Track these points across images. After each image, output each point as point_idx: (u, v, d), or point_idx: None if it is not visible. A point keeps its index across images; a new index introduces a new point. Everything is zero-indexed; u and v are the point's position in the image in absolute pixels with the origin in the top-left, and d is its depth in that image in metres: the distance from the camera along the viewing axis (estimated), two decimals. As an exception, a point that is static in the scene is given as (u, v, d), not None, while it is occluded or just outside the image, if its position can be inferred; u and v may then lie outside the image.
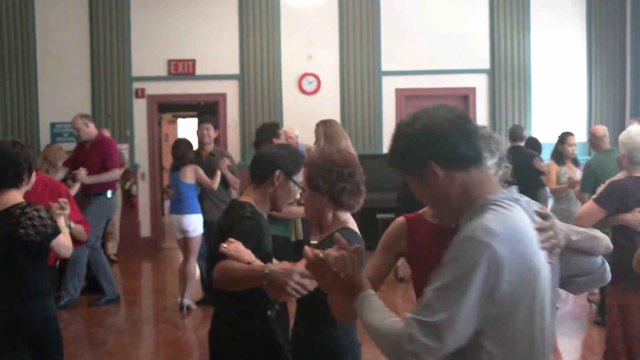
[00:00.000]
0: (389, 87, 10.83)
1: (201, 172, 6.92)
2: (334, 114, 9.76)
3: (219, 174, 6.96)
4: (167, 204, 10.94)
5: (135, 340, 6.34)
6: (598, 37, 10.82)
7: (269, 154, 2.99)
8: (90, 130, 7.46)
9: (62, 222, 3.61)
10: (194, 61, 10.77)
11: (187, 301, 7.12)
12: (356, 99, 10.74)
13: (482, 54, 10.85)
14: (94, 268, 7.40)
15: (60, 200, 3.69)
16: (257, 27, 10.76)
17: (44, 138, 10.52)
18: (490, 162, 2.00)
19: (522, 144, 8.01)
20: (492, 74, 10.86)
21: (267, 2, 10.73)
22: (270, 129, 6.49)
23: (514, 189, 1.85)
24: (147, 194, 10.95)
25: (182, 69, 10.78)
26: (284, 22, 10.78)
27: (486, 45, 10.85)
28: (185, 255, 7.14)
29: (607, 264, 2.08)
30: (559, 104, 10.85)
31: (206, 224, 7.05)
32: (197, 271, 7.33)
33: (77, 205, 4.29)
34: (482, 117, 10.88)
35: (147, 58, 10.74)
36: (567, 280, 2.02)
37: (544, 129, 10.76)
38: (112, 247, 9.90)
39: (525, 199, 1.89)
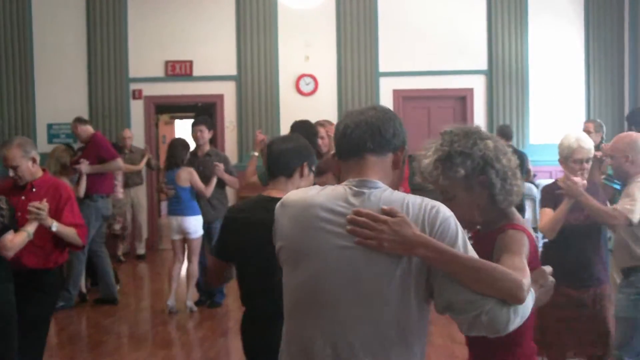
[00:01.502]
0: (386, 88, 10.82)
1: (196, 176, 6.86)
2: (332, 115, 9.72)
3: (214, 180, 6.91)
4: (164, 205, 10.92)
5: (134, 342, 6.31)
6: (596, 38, 10.82)
7: (295, 148, 3.07)
8: (81, 131, 7.52)
9: (31, 227, 3.86)
10: (191, 62, 10.75)
11: (189, 303, 7.11)
12: (354, 100, 10.72)
13: (479, 55, 10.84)
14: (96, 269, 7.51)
15: (36, 205, 3.88)
16: (254, 28, 10.74)
17: (41, 139, 10.48)
18: (427, 161, 2.27)
19: (511, 142, 8.01)
20: (489, 75, 10.86)
21: (264, 3, 10.72)
22: (310, 129, 5.54)
23: (363, 181, 1.95)
24: (145, 196, 10.91)
25: (179, 70, 10.76)
26: (282, 23, 10.76)
27: (484, 46, 10.84)
28: (178, 257, 7.13)
29: (493, 313, 1.74)
30: (557, 105, 10.84)
31: (203, 226, 7.02)
32: (184, 273, 7.28)
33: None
34: (479, 118, 10.88)
35: (144, 59, 10.71)
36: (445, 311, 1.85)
37: (541, 130, 10.79)
38: (122, 248, 10.09)
39: (372, 191, 1.92)
